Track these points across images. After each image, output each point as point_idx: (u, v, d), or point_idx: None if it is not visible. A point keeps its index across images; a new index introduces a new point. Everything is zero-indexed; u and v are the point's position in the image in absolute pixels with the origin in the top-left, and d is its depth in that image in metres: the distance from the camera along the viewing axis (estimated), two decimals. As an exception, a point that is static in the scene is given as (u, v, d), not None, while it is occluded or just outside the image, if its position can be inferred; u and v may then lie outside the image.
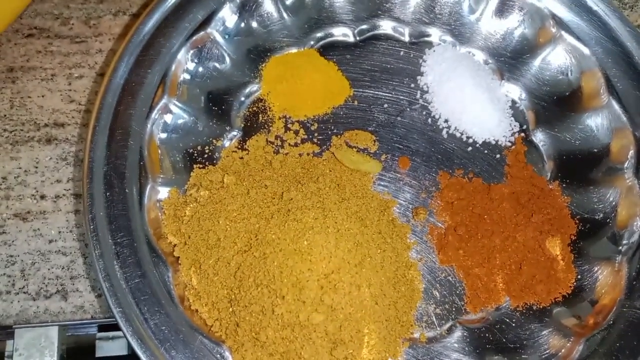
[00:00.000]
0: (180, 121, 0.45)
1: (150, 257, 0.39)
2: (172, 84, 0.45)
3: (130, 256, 0.39)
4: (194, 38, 0.47)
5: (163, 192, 0.43)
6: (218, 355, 0.38)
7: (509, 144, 0.49)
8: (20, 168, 0.46)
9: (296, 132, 0.47)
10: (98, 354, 0.50)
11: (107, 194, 0.40)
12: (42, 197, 0.45)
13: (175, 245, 0.41)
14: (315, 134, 0.48)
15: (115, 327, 0.48)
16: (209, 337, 0.38)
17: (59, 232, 0.44)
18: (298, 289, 0.37)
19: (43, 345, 0.44)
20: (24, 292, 0.42)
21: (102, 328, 0.49)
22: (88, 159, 0.41)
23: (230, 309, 0.38)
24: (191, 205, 0.42)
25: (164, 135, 0.44)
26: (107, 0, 0.53)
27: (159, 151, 0.44)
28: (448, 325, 0.42)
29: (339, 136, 0.48)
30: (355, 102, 0.49)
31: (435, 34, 0.52)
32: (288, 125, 0.48)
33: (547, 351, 0.41)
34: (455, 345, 0.41)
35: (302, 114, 0.48)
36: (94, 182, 0.40)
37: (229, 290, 0.39)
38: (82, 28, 0.52)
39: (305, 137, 0.47)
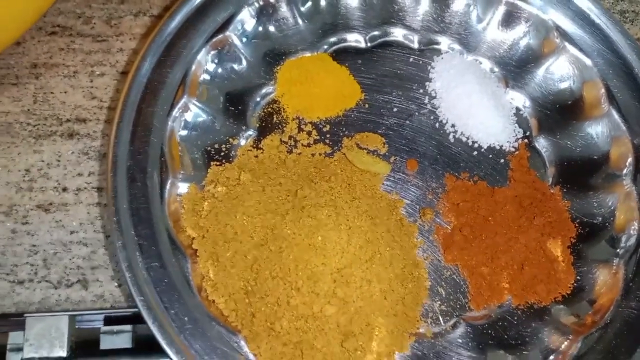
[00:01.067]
0: (199, 120, 0.47)
1: (170, 249, 0.41)
2: (192, 84, 0.47)
3: (151, 248, 0.41)
4: (213, 40, 0.49)
5: (182, 188, 0.44)
6: (234, 344, 0.39)
7: (513, 149, 0.51)
8: (43, 161, 0.48)
9: (309, 133, 0.49)
10: (102, 347, 0.51)
11: (130, 187, 0.42)
12: (64, 189, 0.47)
13: (193, 238, 0.43)
14: (327, 135, 0.49)
15: (121, 320, 0.49)
16: (226, 327, 0.40)
17: (80, 223, 0.46)
18: (312, 282, 0.39)
19: (53, 336, 0.45)
20: (46, 281, 0.44)
21: (108, 322, 0.50)
22: (112, 154, 0.42)
23: (247, 300, 0.40)
24: (209, 201, 0.44)
25: (184, 133, 0.46)
26: (127, 1, 0.55)
27: (179, 148, 0.46)
28: (453, 321, 0.44)
29: (350, 138, 0.49)
30: (366, 106, 0.51)
31: (443, 42, 0.54)
32: (301, 126, 0.49)
33: (547, 348, 0.43)
34: (459, 340, 0.43)
35: (315, 116, 0.50)
36: (117, 176, 0.42)
37: (246, 282, 0.41)
38: (103, 27, 0.53)
39: (318, 138, 0.49)
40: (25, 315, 0.44)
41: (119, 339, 0.52)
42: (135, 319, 0.48)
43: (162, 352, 0.39)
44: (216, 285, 0.41)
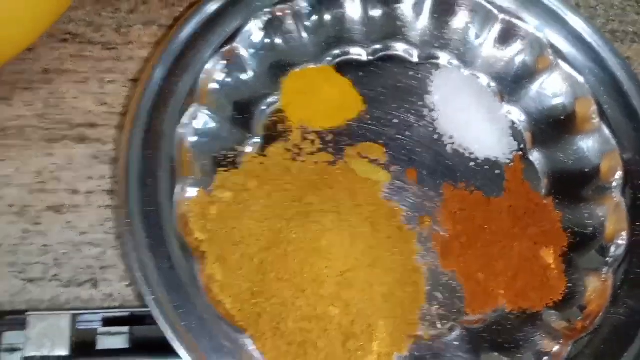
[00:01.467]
0: (207, 127, 0.49)
1: (179, 250, 0.43)
2: (201, 92, 0.49)
3: (161, 249, 0.42)
4: (222, 51, 0.50)
5: (191, 192, 0.46)
6: (240, 343, 0.41)
7: (508, 161, 0.53)
8: (54, 164, 0.49)
9: (312, 142, 0.51)
10: (99, 347, 0.52)
11: (141, 191, 0.43)
12: (75, 192, 0.48)
13: (201, 241, 0.44)
14: (330, 144, 0.51)
15: (119, 322, 0.51)
16: (232, 326, 0.41)
17: (91, 225, 0.47)
18: (317, 285, 0.41)
19: (55, 334, 0.46)
20: (57, 280, 0.45)
21: (106, 324, 0.51)
22: (125, 158, 0.44)
23: (253, 301, 0.42)
24: (217, 205, 0.45)
25: (193, 140, 0.48)
26: (137, 11, 0.56)
27: (188, 154, 0.47)
28: (449, 325, 0.46)
29: (352, 147, 0.51)
30: (368, 117, 0.53)
31: (442, 56, 0.56)
32: (305, 135, 0.51)
33: (540, 351, 0.45)
34: (455, 343, 0.45)
35: (319, 125, 0.52)
36: (129, 180, 0.43)
37: (252, 283, 0.42)
38: (113, 36, 0.55)
39: (321, 146, 0.51)
40: (27, 313, 0.46)
41: (116, 340, 0.53)
42: (134, 321, 0.49)
43: (160, 353, 0.41)
44: (223, 286, 0.42)
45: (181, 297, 0.41)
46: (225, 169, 0.48)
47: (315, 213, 0.44)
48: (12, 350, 0.47)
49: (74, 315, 0.46)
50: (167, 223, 0.43)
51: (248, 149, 0.50)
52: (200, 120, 0.49)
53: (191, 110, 0.48)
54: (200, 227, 0.45)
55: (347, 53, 0.55)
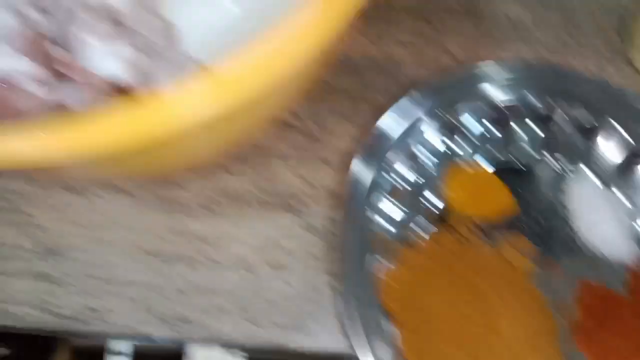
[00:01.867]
0: (394, 213, 0.61)
1: (377, 313, 0.55)
2: (391, 185, 0.61)
3: (365, 310, 0.54)
4: (405, 151, 0.63)
5: (381, 266, 0.58)
6: (424, 393, 0.53)
7: (632, 263, 0.63)
8: (269, 229, 0.62)
9: (473, 232, 0.63)
10: None
11: (350, 263, 0.56)
12: (287, 252, 0.61)
13: (392, 308, 0.56)
14: (488, 235, 0.63)
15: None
16: (418, 379, 0.53)
17: (301, 281, 0.60)
18: (490, 355, 0.52)
19: None
20: (274, 324, 0.58)
21: None
22: (339, 236, 0.57)
23: (435, 361, 0.53)
24: (403, 280, 0.57)
25: (381, 223, 0.60)
26: (331, 107, 0.69)
27: (378, 234, 0.59)
28: (583, 397, 0.56)
29: (505, 239, 0.63)
30: (518, 215, 0.64)
31: (583, 168, 0.67)
32: (467, 225, 0.63)
33: None
34: (588, 414, 0.55)
35: (478, 217, 0.63)
36: (342, 255, 0.56)
37: (435, 348, 0.54)
38: (312, 126, 0.68)
39: (480, 235, 0.62)
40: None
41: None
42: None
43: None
44: (412, 346, 0.54)
45: (381, 349, 0.53)
46: (407, 248, 0.60)
47: (483, 295, 0.56)
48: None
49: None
50: (369, 291, 0.55)
51: (423, 233, 0.62)
52: (387, 205, 0.61)
53: (382, 198, 0.61)
54: (390, 296, 0.57)
55: (505, 159, 0.67)
